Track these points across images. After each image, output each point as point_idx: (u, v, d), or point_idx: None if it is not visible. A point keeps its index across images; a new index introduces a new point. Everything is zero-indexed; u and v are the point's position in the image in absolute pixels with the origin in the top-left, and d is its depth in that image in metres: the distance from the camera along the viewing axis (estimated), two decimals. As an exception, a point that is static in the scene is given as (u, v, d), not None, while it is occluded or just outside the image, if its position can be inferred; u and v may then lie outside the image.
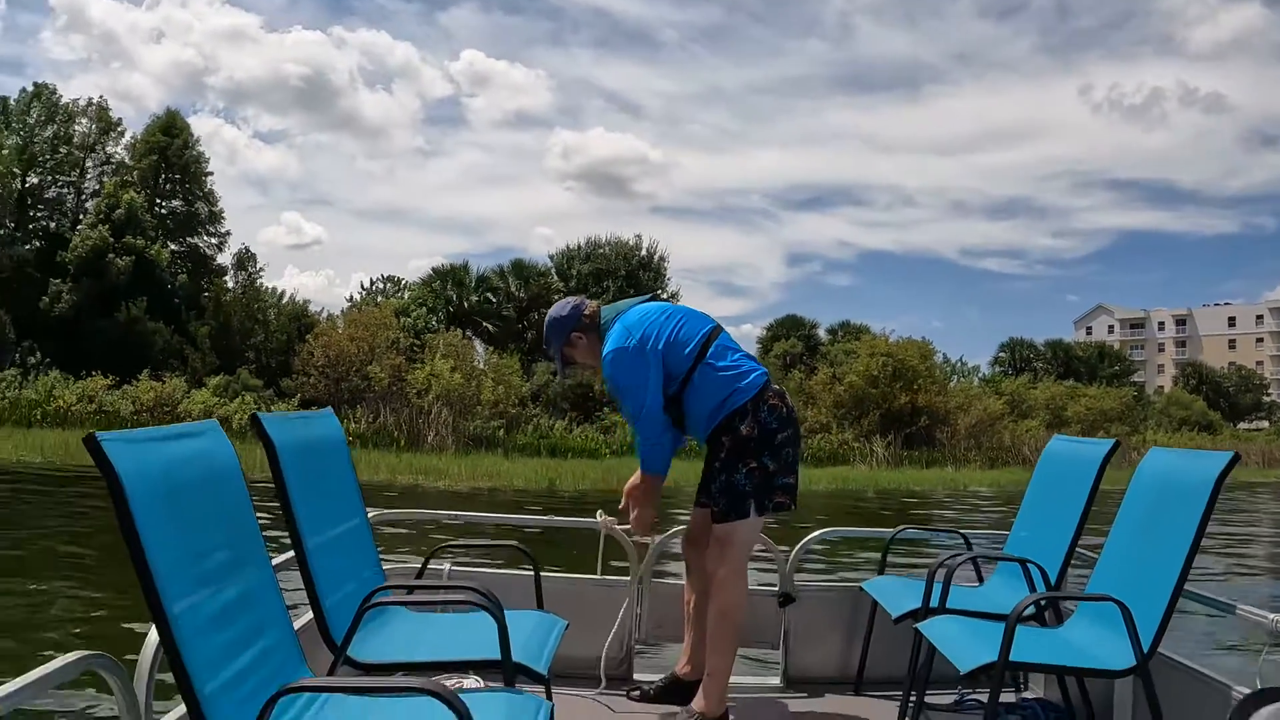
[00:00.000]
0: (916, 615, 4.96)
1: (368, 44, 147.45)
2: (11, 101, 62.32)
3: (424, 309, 57.67)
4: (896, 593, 5.34)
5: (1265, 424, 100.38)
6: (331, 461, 4.54)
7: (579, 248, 63.34)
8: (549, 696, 3.98)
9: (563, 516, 6.57)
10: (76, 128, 62.75)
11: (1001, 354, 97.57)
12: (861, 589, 5.67)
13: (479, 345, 52.19)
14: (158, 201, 61.06)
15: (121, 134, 63.83)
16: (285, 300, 62.58)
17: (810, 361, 63.28)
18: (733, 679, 5.40)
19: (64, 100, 62.95)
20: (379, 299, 61.55)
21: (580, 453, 42.86)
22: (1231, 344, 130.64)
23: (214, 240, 63.10)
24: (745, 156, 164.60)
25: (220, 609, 2.90)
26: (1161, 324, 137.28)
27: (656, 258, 64.74)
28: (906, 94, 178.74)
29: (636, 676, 5.62)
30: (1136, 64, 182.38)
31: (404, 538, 15.72)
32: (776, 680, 5.79)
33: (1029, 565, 5.00)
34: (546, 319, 5.17)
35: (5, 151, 59.12)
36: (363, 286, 67.54)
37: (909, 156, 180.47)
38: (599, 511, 5.68)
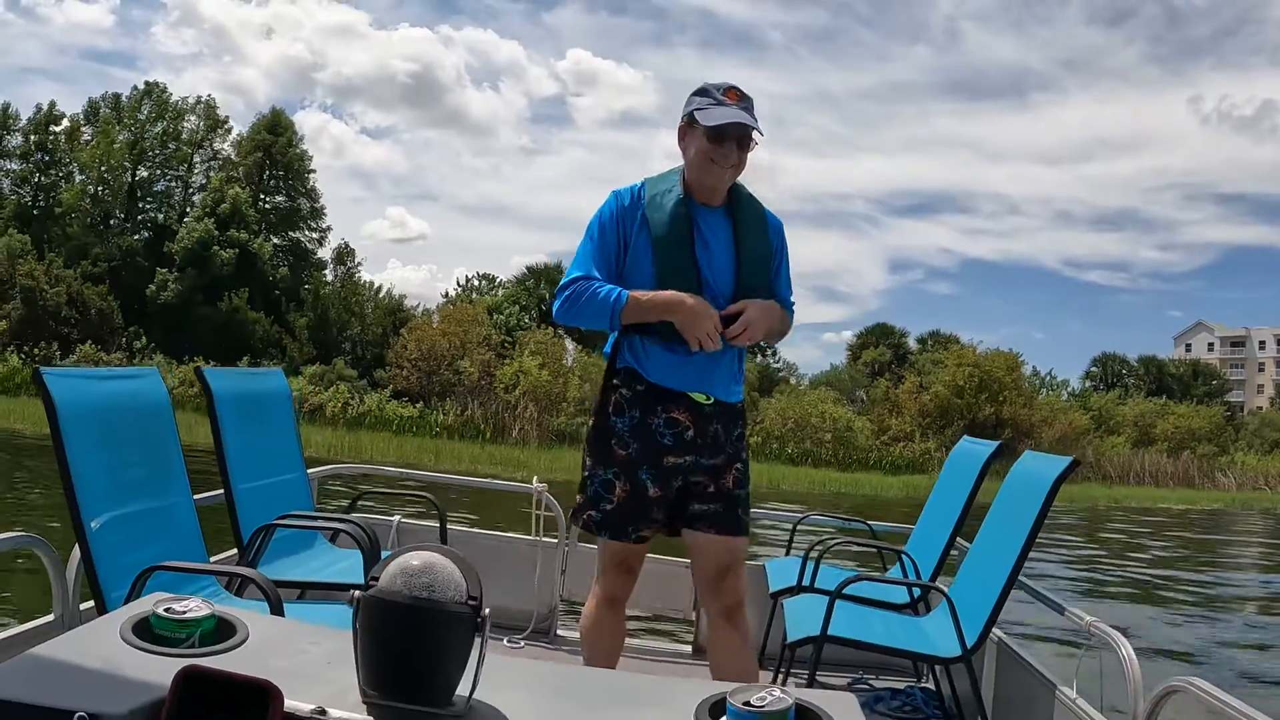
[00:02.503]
0: (790, 592, 5.28)
1: (474, 42, 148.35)
2: (124, 98, 64.39)
3: (516, 307, 58.53)
4: (784, 572, 5.64)
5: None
6: (273, 416, 5.03)
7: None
8: None
9: (499, 481, 7.32)
10: (185, 124, 64.72)
11: (1093, 369, 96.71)
12: (764, 567, 5.95)
13: (569, 344, 52.98)
14: (261, 196, 62.65)
15: (228, 131, 65.74)
16: (382, 294, 63.98)
17: (899, 370, 63.35)
18: (646, 644, 6.27)
19: (174, 98, 64.93)
20: (473, 296, 62.64)
21: (661, 449, 43.12)
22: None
23: (315, 235, 64.71)
24: (850, 161, 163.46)
25: (135, 523, 3.60)
26: (1262, 343, 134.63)
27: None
28: (1014, 101, 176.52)
29: (560, 633, 6.18)
30: (1248, 74, 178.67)
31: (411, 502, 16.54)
32: (688, 649, 6.19)
33: (903, 555, 5.44)
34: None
35: (117, 146, 61.21)
36: (458, 283, 68.67)
37: (1015, 165, 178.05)
38: (535, 478, 6.30)
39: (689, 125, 3.81)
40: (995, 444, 5.52)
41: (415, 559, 1.80)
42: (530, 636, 6.01)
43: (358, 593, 1.77)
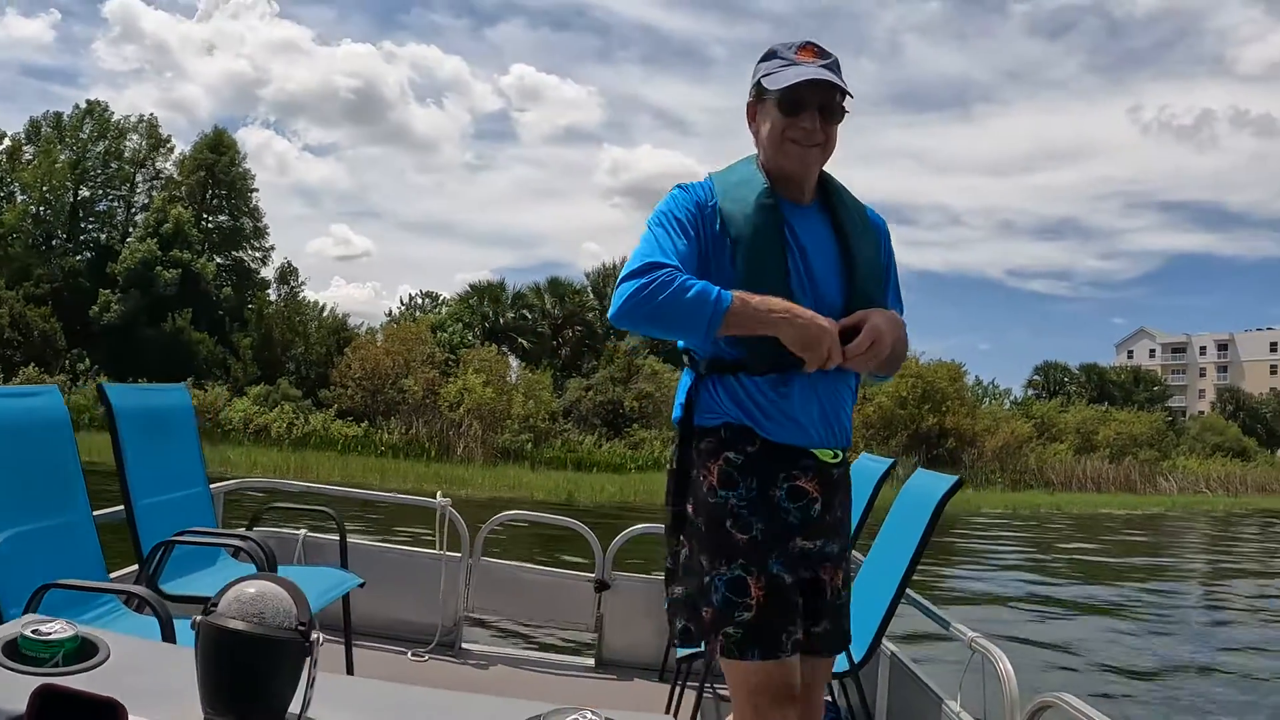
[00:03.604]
0: None
1: (418, 58, 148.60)
2: (65, 117, 64.00)
3: (460, 325, 58.58)
4: None
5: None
6: (176, 431, 5.00)
7: (614, 266, 63.97)
8: (348, 648, 5.00)
9: (404, 495, 7.29)
10: (127, 143, 64.30)
11: (1036, 377, 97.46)
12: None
13: (513, 361, 53.14)
14: (204, 216, 62.39)
15: (171, 150, 65.40)
16: (325, 313, 63.84)
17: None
18: (548, 657, 6.38)
19: (115, 117, 64.62)
20: (417, 314, 62.68)
21: (605, 467, 43.64)
22: (1274, 369, 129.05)
23: (258, 254, 64.47)
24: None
25: (33, 540, 3.65)
26: (1203, 348, 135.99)
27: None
28: (957, 113, 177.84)
29: (465, 645, 6.23)
30: (1188, 84, 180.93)
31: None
32: (590, 662, 6.25)
33: None
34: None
35: (59, 165, 60.80)
36: (402, 301, 68.68)
37: (958, 176, 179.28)
38: (439, 492, 6.32)
39: (758, 99, 2.99)
40: (889, 461, 5.49)
41: (250, 587, 1.91)
42: (435, 650, 6.04)
43: (198, 618, 1.90)
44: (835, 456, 2.96)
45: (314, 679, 1.88)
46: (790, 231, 2.93)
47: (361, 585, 5.07)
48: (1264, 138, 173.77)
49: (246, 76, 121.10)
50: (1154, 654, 14.12)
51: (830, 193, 3.08)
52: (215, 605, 1.89)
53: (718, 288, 2.77)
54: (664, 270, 2.77)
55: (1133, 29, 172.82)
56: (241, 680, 1.85)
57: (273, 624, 1.86)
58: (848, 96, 2.93)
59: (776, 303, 2.77)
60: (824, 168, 3.07)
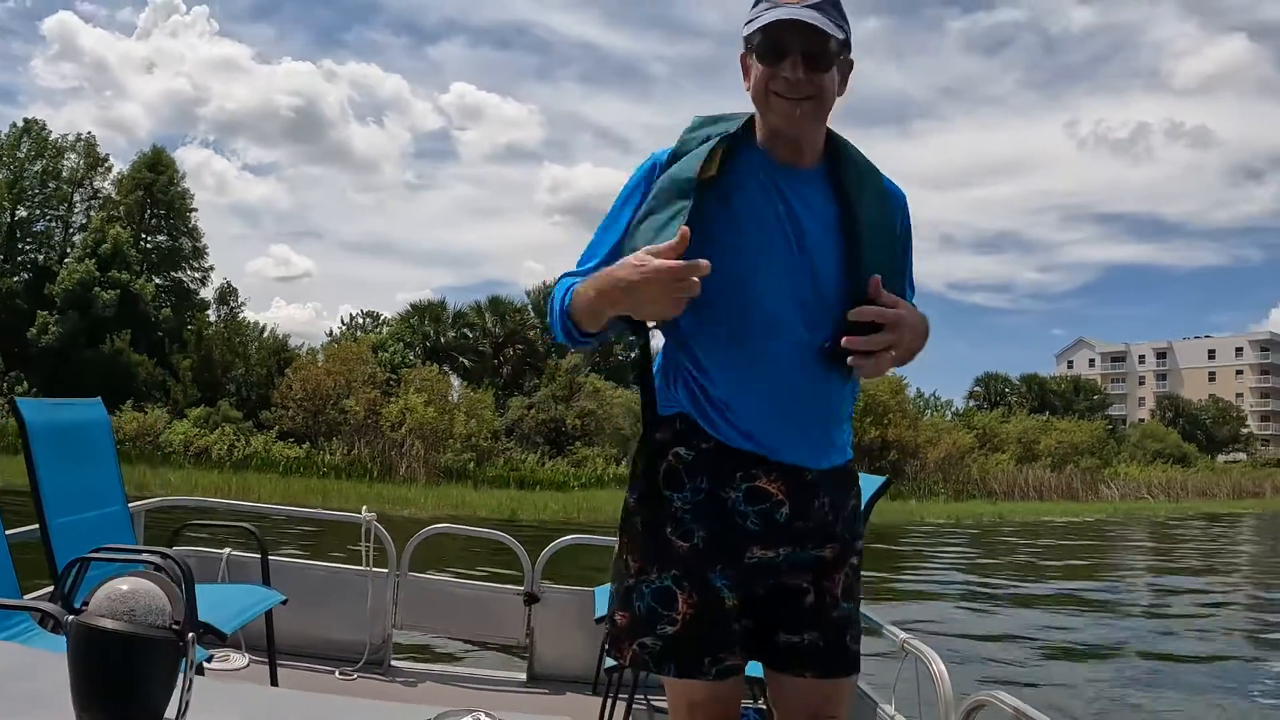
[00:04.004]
0: None
1: (358, 76, 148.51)
2: (2, 136, 63.32)
3: (401, 344, 58.38)
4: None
5: (1242, 456, 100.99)
6: (92, 447, 4.90)
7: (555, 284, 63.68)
8: (273, 667, 4.95)
9: (328, 512, 7.30)
10: (65, 163, 63.58)
11: (977, 388, 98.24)
12: (593, 593, 5.90)
13: (455, 380, 53.04)
14: (143, 236, 61.73)
15: (109, 169, 64.74)
16: (266, 334, 63.35)
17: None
18: (480, 672, 6.34)
19: (53, 135, 63.97)
20: (358, 334, 62.37)
21: (549, 485, 43.70)
22: (1211, 376, 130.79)
23: (197, 275, 63.77)
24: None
25: None
26: (1142, 357, 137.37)
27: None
28: (896, 129, 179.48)
29: (394, 663, 6.14)
30: (1123, 98, 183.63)
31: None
32: (522, 676, 6.18)
33: None
34: None
35: (-6, 185, 60.18)
36: (343, 321, 68.32)
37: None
38: (364, 507, 6.22)
39: (747, 52, 2.57)
40: (880, 480, 5.17)
41: (123, 585, 1.82)
42: (364, 668, 5.92)
43: (70, 618, 1.83)
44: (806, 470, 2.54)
45: (190, 681, 1.80)
46: (781, 199, 2.53)
47: (284, 602, 5.01)
48: (1199, 149, 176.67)
49: (185, 95, 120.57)
50: (1090, 648, 14.54)
51: (838, 153, 2.63)
52: (87, 604, 1.81)
53: (568, 284, 2.54)
54: (561, 282, 2.58)
55: (1069, 44, 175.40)
56: (113, 681, 1.77)
57: (144, 622, 1.78)
58: (842, 40, 2.51)
59: (606, 271, 2.42)
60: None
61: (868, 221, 2.55)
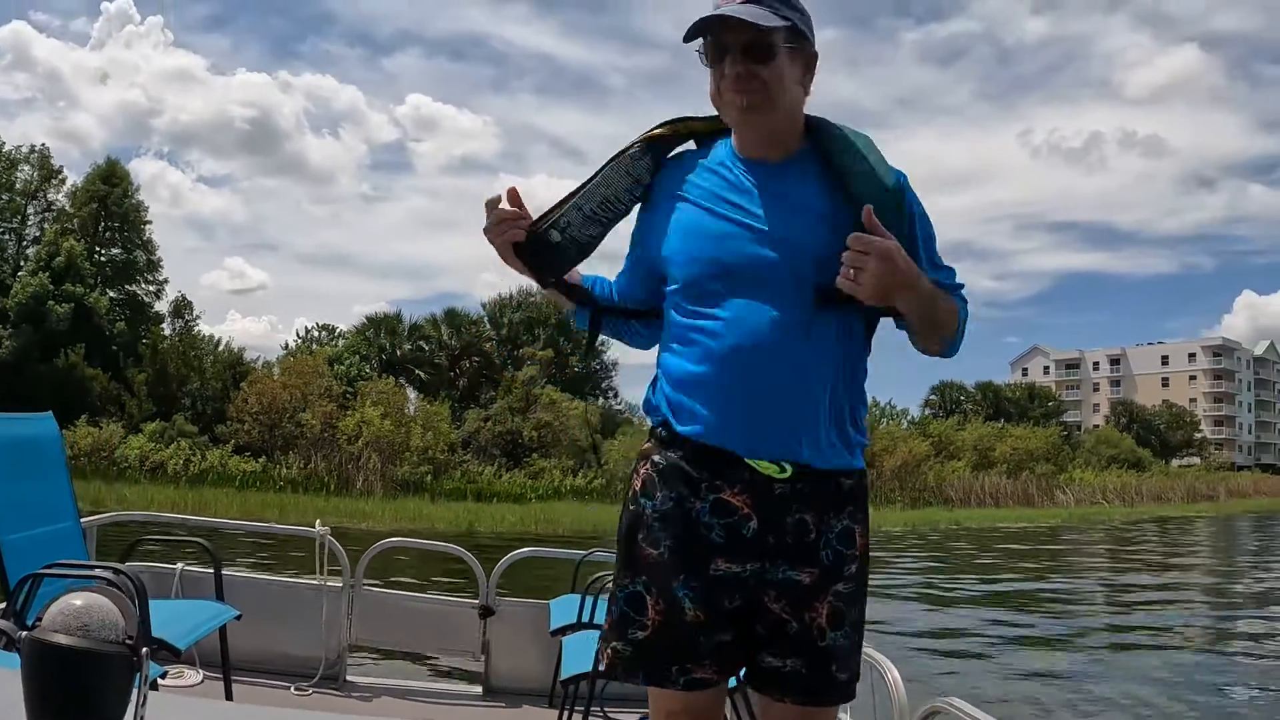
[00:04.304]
0: (571, 629, 5.23)
1: (313, 88, 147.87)
2: (-47, 148, 62.75)
3: (357, 357, 58.26)
4: (567, 609, 5.53)
5: (1196, 460, 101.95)
6: (43, 463, 4.87)
7: (511, 296, 63.63)
8: (227, 683, 4.97)
9: (280, 526, 7.22)
10: (19, 175, 63.10)
11: (932, 397, 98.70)
12: (548, 606, 5.93)
13: (411, 393, 52.92)
14: (97, 249, 61.31)
15: (63, 182, 64.19)
16: (221, 347, 62.95)
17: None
18: (435, 686, 6.35)
19: (6, 147, 63.39)
20: (314, 347, 62.02)
21: (506, 497, 43.71)
22: (1165, 382, 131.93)
23: (152, 288, 63.26)
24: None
25: None
26: (1096, 364, 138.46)
27: (592, 305, 65.03)
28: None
29: (349, 678, 6.07)
30: (1076, 108, 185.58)
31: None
32: (478, 690, 6.14)
33: None
34: None
35: (-54, 198, 59.65)
36: (298, 334, 67.94)
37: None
38: (318, 521, 6.22)
39: (701, 58, 2.57)
40: None
41: (77, 600, 1.80)
42: (319, 684, 5.87)
43: (23, 634, 1.81)
44: (781, 471, 2.44)
45: (145, 697, 1.78)
46: (749, 193, 2.51)
47: (238, 618, 5.01)
48: (1151, 158, 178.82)
49: (140, 106, 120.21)
50: (1045, 650, 14.88)
51: (821, 136, 2.58)
52: (40, 620, 1.80)
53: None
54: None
55: (1022, 55, 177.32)
56: (67, 698, 1.75)
57: (98, 637, 1.76)
58: (788, 28, 2.46)
59: None
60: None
61: (854, 186, 2.50)
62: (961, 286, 2.68)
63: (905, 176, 2.59)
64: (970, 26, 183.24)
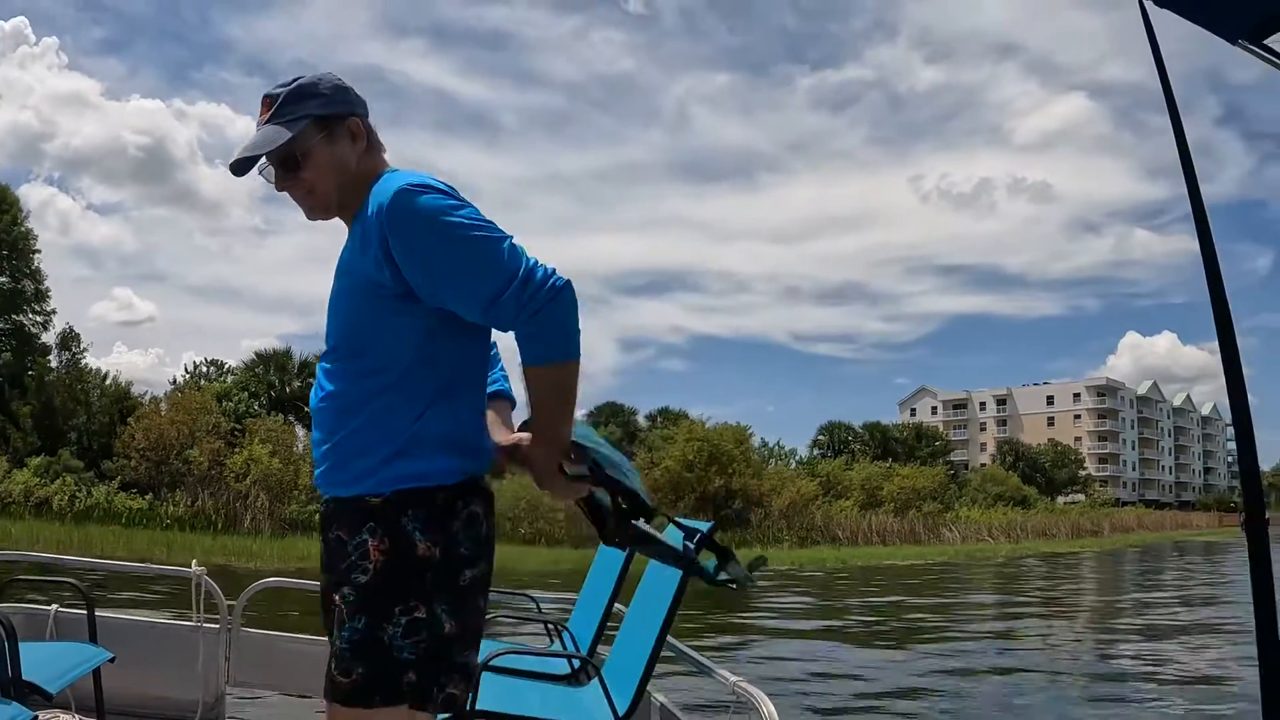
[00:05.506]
0: None
1: (208, 116, 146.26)
2: None
3: (246, 394, 57.75)
4: None
5: (1081, 497, 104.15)
6: None
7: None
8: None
9: (156, 565, 7.08)
10: (-97, 201, 62.07)
11: (821, 436, 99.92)
12: None
13: (300, 430, 52.63)
14: (-17, 278, 60.52)
15: (-53, 209, 63.23)
16: (109, 381, 62.18)
17: (629, 448, 64.53)
18: None
19: (-111, 173, 62.31)
20: (201, 382, 61.46)
21: (396, 536, 43.38)
22: (1050, 421, 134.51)
23: (39, 318, 62.37)
24: (583, 242, 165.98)
25: None
26: (983, 404, 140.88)
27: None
28: (743, 183, 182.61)
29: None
30: (966, 154, 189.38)
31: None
32: None
33: (560, 629, 5.60)
34: (294, 84, 2.78)
35: None
36: (186, 369, 67.22)
37: (744, 243, 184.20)
38: (194, 561, 6.05)
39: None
40: (706, 525, 5.17)
41: None
42: None
43: None
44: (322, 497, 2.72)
45: None
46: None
47: (112, 660, 4.94)
48: (1039, 203, 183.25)
49: (31, 129, 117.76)
50: (926, 683, 15.37)
51: (359, 208, 2.72)
52: None
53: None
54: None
55: (914, 102, 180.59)
56: None
57: None
58: (299, 133, 2.71)
59: None
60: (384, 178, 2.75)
61: (344, 255, 2.77)
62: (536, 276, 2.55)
63: (391, 193, 2.60)
64: (864, 74, 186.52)
